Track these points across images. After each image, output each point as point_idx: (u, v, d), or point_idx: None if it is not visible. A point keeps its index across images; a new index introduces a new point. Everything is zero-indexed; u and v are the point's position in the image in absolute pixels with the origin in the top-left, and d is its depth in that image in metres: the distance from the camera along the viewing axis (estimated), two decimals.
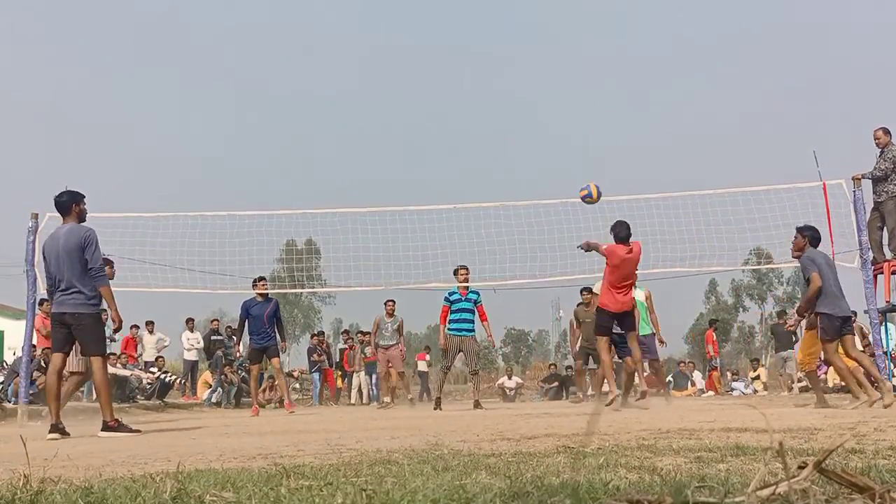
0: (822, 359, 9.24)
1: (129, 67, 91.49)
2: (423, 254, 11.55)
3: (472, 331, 11.57)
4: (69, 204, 6.92)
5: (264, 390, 17.62)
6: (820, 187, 10.17)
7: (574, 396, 13.24)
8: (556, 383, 20.11)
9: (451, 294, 11.53)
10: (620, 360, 9.89)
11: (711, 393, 19.09)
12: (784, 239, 10.80)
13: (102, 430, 6.65)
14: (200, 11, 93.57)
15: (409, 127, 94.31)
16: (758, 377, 19.86)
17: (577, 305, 13.39)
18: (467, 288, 11.49)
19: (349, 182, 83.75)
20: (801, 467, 1.75)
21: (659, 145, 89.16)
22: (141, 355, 17.47)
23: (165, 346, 18.19)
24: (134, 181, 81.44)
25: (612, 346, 9.42)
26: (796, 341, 18.13)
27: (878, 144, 10.47)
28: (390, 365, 14.23)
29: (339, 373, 19.42)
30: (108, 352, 15.33)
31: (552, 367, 22.83)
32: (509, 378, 21.66)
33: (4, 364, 16.50)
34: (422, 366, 22.29)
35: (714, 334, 20.30)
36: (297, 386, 20.32)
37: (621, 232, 9.06)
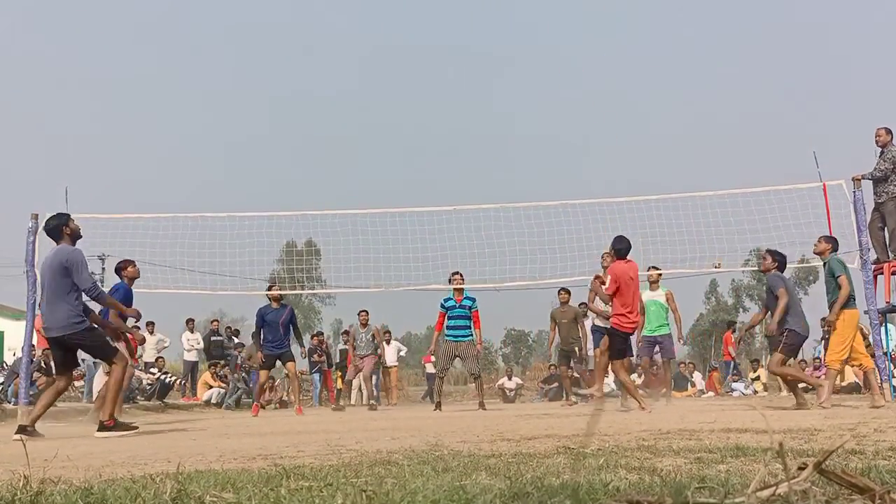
0: (824, 360, 9.32)
1: (128, 68, 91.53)
2: (423, 255, 11.56)
3: (469, 336, 11.59)
4: (58, 228, 6.87)
5: (265, 391, 17.64)
6: (820, 188, 10.17)
7: (567, 400, 13.28)
8: (556, 384, 20.07)
9: (446, 301, 11.59)
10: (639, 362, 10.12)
11: (711, 394, 19.09)
12: (784, 240, 10.81)
13: (98, 430, 6.61)
14: (200, 12, 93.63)
15: (410, 128, 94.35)
16: (758, 378, 19.87)
17: (558, 306, 13.40)
18: (462, 295, 11.53)
19: (349, 183, 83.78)
20: (801, 468, 1.75)
21: (659, 146, 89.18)
22: (141, 356, 17.43)
23: (165, 347, 18.18)
24: (134, 182, 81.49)
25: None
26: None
27: (878, 143, 10.45)
28: (359, 371, 14.97)
29: (339, 373, 19.42)
30: None
31: (552, 367, 22.79)
32: (509, 379, 21.64)
33: (4, 365, 16.49)
34: (429, 367, 22.30)
35: (732, 336, 20.35)
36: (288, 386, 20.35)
37: (623, 247, 9.04)
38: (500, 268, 11.51)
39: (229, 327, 21.49)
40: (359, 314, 15.02)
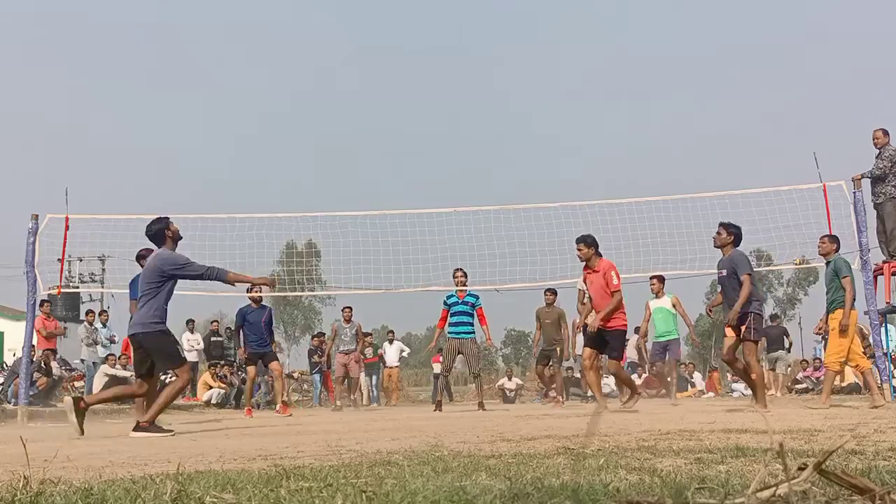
0: (821, 361, 9.28)
1: (128, 68, 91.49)
2: (423, 256, 11.57)
3: (472, 333, 11.57)
4: (161, 232, 7.01)
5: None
6: (820, 189, 10.17)
7: (547, 397, 13.32)
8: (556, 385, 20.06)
9: (448, 298, 11.57)
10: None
11: (712, 394, 19.09)
12: (784, 241, 10.82)
13: (134, 429, 6.70)
14: (200, 14, 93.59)
15: (410, 129, 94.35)
16: None
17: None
18: (465, 291, 11.50)
19: (350, 184, 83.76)
20: (801, 469, 1.74)
21: (659, 147, 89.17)
22: None
23: None
24: (134, 182, 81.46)
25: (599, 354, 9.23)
26: (790, 346, 18.38)
27: (876, 145, 10.52)
28: (348, 369, 14.92)
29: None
30: (108, 353, 15.43)
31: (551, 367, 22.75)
32: (509, 379, 21.64)
33: (4, 365, 16.49)
34: (437, 368, 22.28)
35: None
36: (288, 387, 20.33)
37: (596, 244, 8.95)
38: (501, 269, 11.54)
39: (229, 328, 21.46)
40: (342, 310, 15.38)
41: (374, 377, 18.02)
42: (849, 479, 1.72)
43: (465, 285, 11.49)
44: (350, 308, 15.32)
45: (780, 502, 1.68)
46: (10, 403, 11.69)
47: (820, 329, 11.37)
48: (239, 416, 11.26)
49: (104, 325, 16.46)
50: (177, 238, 7.11)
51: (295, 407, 17.46)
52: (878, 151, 10.51)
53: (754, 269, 8.62)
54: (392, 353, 18.85)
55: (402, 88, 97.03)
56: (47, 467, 3.05)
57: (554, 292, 12.97)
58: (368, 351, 17.39)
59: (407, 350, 21.18)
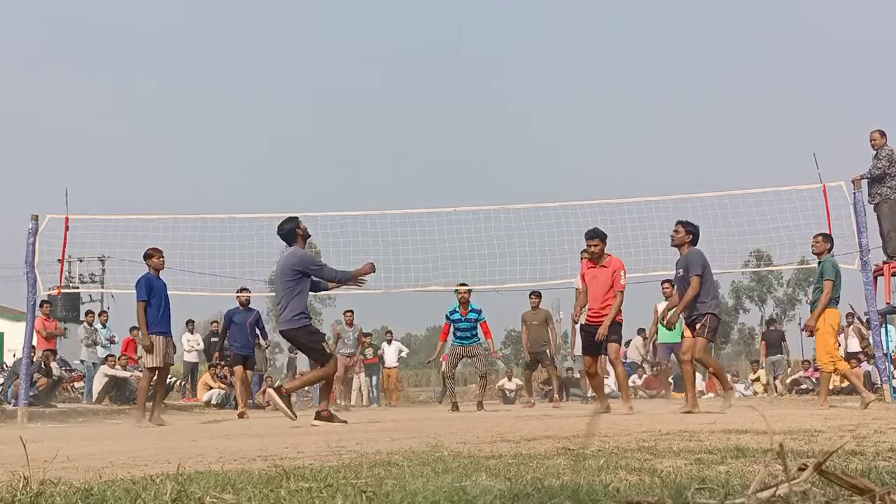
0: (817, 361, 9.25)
1: (128, 69, 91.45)
2: (423, 256, 11.56)
3: (477, 340, 11.75)
4: (293, 231, 7.42)
5: (263, 392, 17.59)
6: (820, 189, 10.17)
7: (527, 402, 13.34)
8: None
9: (451, 313, 11.69)
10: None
11: (711, 395, 19.08)
12: (784, 241, 10.82)
13: (315, 419, 7.33)
14: (199, 14, 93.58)
15: (410, 129, 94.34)
16: (758, 379, 19.88)
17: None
18: (468, 308, 11.57)
19: (349, 184, 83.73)
20: (801, 469, 1.74)
21: (659, 147, 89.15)
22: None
23: None
24: (134, 183, 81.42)
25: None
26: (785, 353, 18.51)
27: (873, 146, 10.58)
28: (347, 371, 15.31)
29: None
30: (108, 353, 15.43)
31: (543, 369, 22.73)
32: (509, 380, 21.61)
33: (4, 366, 16.48)
34: (444, 366, 22.25)
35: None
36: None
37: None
38: (501, 269, 11.54)
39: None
40: (344, 314, 15.61)
41: (374, 378, 18.01)
42: (849, 479, 1.72)
43: (468, 302, 11.57)
44: (352, 311, 15.44)
45: (781, 503, 1.68)
46: (10, 404, 11.69)
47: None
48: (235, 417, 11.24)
49: (104, 326, 16.46)
50: (306, 236, 7.58)
51: (294, 407, 17.46)
52: (874, 152, 10.55)
53: (712, 269, 8.39)
54: (391, 353, 18.83)
55: (402, 88, 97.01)
56: (47, 468, 3.05)
57: (539, 295, 13.02)
58: (368, 351, 17.39)
59: (406, 350, 21.16)
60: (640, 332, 20.92)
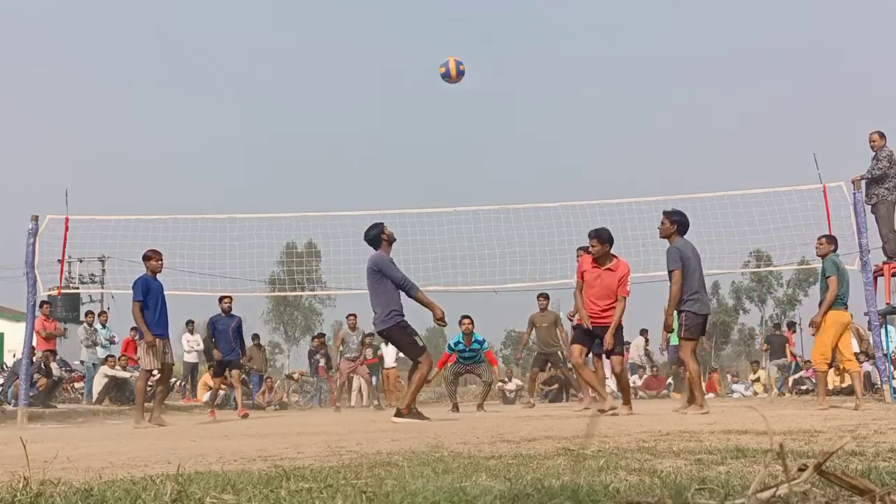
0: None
1: (128, 69, 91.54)
2: (422, 257, 11.57)
3: (481, 361, 11.94)
4: (378, 237, 7.75)
5: (263, 392, 17.64)
6: (820, 190, 10.18)
7: (527, 403, 13.38)
8: (556, 386, 20.06)
9: (455, 343, 11.77)
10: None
11: (712, 395, 19.09)
12: (784, 241, 10.82)
13: (395, 416, 7.50)
14: (199, 14, 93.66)
15: (410, 130, 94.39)
16: (758, 379, 19.90)
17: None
18: (471, 338, 11.64)
19: (350, 185, 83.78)
20: (801, 469, 1.74)
21: (659, 148, 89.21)
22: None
23: None
24: (134, 183, 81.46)
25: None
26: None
27: (872, 148, 10.60)
28: (352, 374, 15.50)
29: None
30: (108, 354, 15.44)
31: (552, 369, 22.73)
32: (509, 380, 21.60)
33: (4, 366, 16.48)
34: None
35: (793, 336, 20.48)
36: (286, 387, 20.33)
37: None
38: (500, 269, 11.55)
39: None
40: (347, 317, 15.61)
41: (375, 378, 18.00)
42: (849, 479, 1.72)
43: (472, 333, 11.63)
44: (355, 315, 15.55)
45: (781, 503, 1.68)
46: (10, 404, 11.69)
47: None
48: (238, 417, 11.25)
49: (104, 326, 16.47)
50: (391, 240, 7.82)
51: (295, 408, 17.49)
52: (874, 153, 10.56)
53: (693, 265, 7.90)
54: (390, 353, 18.82)
55: (402, 88, 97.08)
56: (47, 468, 3.05)
57: (547, 297, 13.04)
58: (368, 352, 17.38)
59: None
60: (643, 332, 20.94)
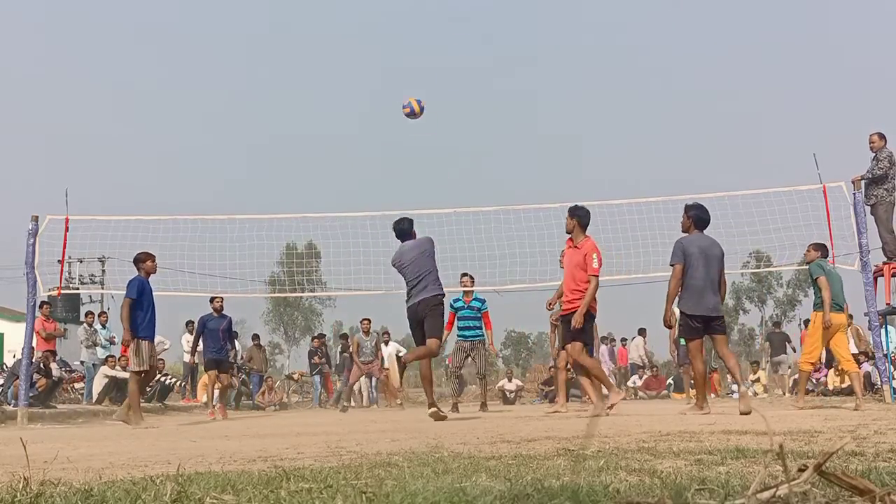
0: (822, 361, 9.29)
1: (128, 69, 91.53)
2: None
3: (481, 336, 11.75)
4: (410, 228, 8.61)
5: (263, 393, 17.65)
6: (820, 190, 10.17)
7: (557, 407, 13.37)
8: (555, 387, 20.06)
9: (455, 301, 11.67)
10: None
11: (713, 395, 19.09)
12: (784, 242, 10.82)
13: (429, 411, 8.27)
14: (199, 15, 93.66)
15: (410, 130, 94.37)
16: (758, 380, 19.89)
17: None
18: (472, 296, 11.58)
19: (350, 185, 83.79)
20: (801, 470, 1.74)
21: (659, 148, 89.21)
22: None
23: (165, 349, 18.15)
24: (134, 183, 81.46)
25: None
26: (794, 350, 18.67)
27: (872, 149, 10.61)
28: (371, 370, 15.86)
29: (338, 375, 19.44)
30: (108, 354, 15.43)
31: (552, 369, 22.71)
32: (509, 380, 21.60)
33: (4, 367, 16.48)
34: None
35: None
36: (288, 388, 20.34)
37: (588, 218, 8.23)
38: (501, 270, 11.54)
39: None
40: (361, 322, 15.71)
41: (374, 379, 18.00)
42: (849, 480, 1.72)
43: (472, 291, 11.58)
44: (369, 320, 15.59)
45: (781, 503, 1.68)
46: (9, 405, 11.69)
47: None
48: (239, 417, 11.26)
49: (104, 327, 16.45)
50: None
51: (295, 408, 17.49)
52: (873, 154, 10.57)
53: (694, 260, 7.48)
54: (388, 354, 18.83)
55: (402, 88, 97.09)
56: (47, 469, 3.05)
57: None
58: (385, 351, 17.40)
59: (403, 351, 21.14)
60: (641, 331, 20.94)
